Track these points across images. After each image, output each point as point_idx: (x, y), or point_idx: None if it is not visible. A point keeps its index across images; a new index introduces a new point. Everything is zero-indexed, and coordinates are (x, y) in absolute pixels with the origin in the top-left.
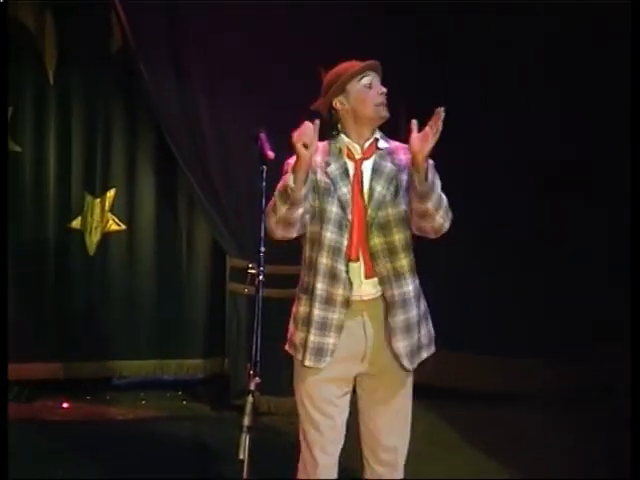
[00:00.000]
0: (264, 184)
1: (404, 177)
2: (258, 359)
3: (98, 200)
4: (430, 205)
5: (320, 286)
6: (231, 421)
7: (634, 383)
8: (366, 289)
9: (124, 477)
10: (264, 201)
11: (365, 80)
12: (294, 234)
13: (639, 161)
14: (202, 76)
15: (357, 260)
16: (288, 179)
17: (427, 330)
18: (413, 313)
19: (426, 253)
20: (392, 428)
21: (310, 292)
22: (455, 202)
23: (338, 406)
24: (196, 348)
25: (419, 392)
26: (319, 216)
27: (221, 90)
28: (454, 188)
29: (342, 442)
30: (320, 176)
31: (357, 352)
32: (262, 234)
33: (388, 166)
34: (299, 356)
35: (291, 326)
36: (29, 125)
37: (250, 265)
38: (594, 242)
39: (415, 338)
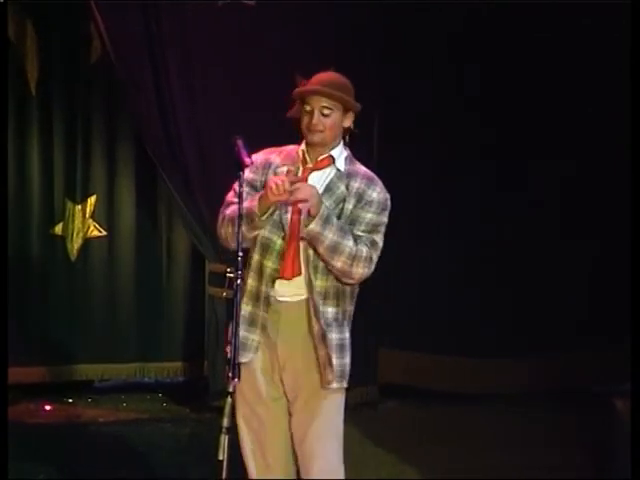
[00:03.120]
0: (242, 189)
1: (348, 206)
2: (236, 361)
3: (79, 206)
4: (340, 263)
5: (250, 282)
6: (210, 422)
7: (634, 385)
8: (288, 290)
9: (105, 478)
10: (242, 206)
11: (306, 106)
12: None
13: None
14: (181, 84)
15: (285, 259)
16: (256, 207)
17: (349, 361)
18: (344, 335)
19: (400, 254)
20: (317, 437)
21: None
22: (432, 212)
23: (270, 409)
24: (176, 351)
25: (394, 392)
26: None
27: (200, 98)
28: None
29: (280, 449)
30: (269, 176)
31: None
32: (240, 238)
33: (341, 189)
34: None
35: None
36: (11, 134)
37: (228, 269)
38: (569, 246)
39: (347, 360)
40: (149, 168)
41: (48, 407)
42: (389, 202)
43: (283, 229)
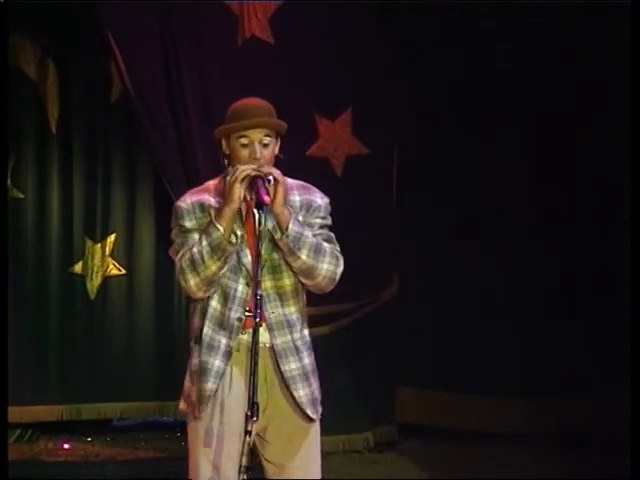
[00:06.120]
0: (261, 228)
1: (299, 217)
2: (255, 400)
3: (99, 245)
4: (304, 257)
5: (206, 331)
6: None
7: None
8: (265, 335)
9: None
10: (261, 244)
11: (243, 139)
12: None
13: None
14: (201, 124)
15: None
16: (218, 232)
17: (318, 385)
18: (306, 362)
19: (417, 293)
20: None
21: (198, 340)
22: (444, 244)
23: (232, 460)
24: None
25: (413, 432)
26: None
27: None
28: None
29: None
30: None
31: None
32: (258, 277)
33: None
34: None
35: (187, 382)
36: (31, 172)
37: (247, 308)
38: (581, 287)
39: (314, 387)
40: (168, 207)
41: (67, 445)
42: (329, 205)
43: (245, 272)
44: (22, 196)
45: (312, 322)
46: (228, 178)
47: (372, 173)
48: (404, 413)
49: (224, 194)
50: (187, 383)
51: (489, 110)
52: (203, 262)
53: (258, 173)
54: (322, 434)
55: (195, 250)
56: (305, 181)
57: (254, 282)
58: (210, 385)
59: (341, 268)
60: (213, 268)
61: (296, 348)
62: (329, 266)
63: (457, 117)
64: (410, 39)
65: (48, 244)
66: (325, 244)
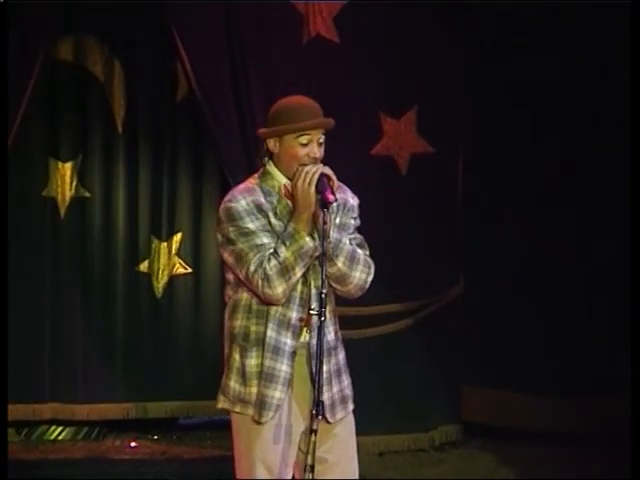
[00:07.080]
0: (325, 226)
1: (336, 219)
2: (320, 399)
3: (165, 244)
4: (340, 264)
5: (270, 333)
6: None
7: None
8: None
9: None
10: (325, 243)
11: (302, 138)
12: None
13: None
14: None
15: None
16: (305, 238)
17: (349, 382)
18: (332, 362)
19: (482, 292)
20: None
21: (261, 342)
22: (510, 244)
23: (288, 465)
24: None
25: (478, 431)
26: None
27: None
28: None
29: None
30: (273, 219)
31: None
32: (323, 276)
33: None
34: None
35: (233, 382)
36: (98, 171)
37: (312, 306)
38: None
39: (344, 384)
40: None
41: (133, 443)
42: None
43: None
44: (89, 195)
45: (377, 321)
46: (300, 183)
47: (437, 172)
48: (470, 412)
49: (294, 197)
50: (234, 383)
51: (556, 110)
52: (293, 268)
53: (326, 173)
54: (388, 433)
55: (282, 257)
56: (370, 180)
57: (320, 280)
58: (278, 394)
59: (372, 276)
60: (299, 274)
61: (327, 350)
62: (361, 274)
63: (523, 116)
64: (475, 38)
65: (114, 243)
66: (359, 251)
